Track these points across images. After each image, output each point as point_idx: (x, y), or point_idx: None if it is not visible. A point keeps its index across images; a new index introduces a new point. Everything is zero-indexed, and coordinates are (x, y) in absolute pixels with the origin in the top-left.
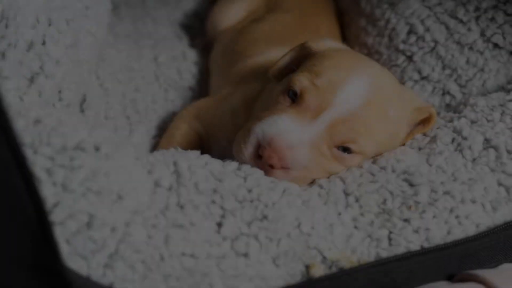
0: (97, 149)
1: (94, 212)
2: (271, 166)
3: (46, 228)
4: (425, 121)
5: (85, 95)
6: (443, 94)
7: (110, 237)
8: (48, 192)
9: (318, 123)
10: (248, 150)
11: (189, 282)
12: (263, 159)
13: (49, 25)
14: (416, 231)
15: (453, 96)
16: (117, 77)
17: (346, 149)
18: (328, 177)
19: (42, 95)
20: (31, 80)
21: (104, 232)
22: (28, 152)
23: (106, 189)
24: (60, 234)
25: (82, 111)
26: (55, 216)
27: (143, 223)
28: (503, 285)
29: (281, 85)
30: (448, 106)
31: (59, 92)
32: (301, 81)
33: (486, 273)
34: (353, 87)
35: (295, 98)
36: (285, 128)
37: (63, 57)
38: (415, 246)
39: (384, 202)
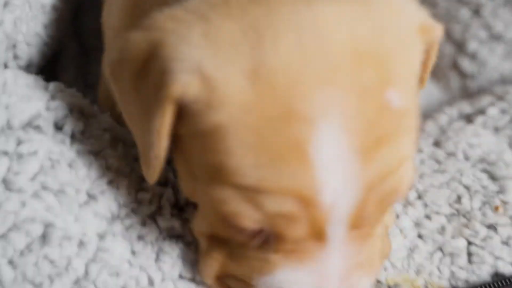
0: (58, 127)
1: (51, 220)
2: None
3: None
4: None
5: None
6: None
7: (76, 255)
8: None
9: (331, 243)
10: None
11: None
12: None
13: None
14: (506, 243)
15: None
16: None
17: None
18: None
19: None
20: None
21: (67, 248)
22: None
23: (69, 185)
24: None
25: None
26: None
27: (123, 232)
28: None
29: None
30: None
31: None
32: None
33: None
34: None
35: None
36: None
37: None
38: (505, 264)
39: (459, 200)
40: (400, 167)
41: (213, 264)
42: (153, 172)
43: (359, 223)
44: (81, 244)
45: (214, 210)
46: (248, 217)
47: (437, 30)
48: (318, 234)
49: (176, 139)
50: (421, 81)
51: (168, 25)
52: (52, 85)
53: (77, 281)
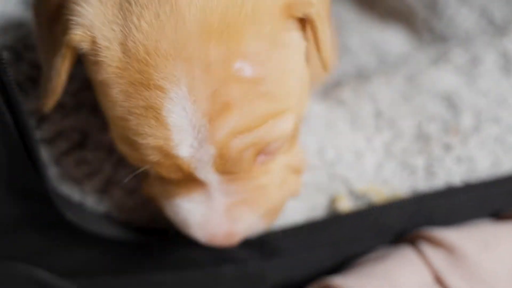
0: None
1: (87, 130)
2: None
3: (31, 146)
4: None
5: None
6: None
7: (106, 160)
8: (33, 106)
9: (210, 183)
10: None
11: None
12: None
13: None
14: (457, 161)
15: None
16: None
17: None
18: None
19: None
20: None
21: (100, 153)
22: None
23: None
24: (48, 153)
25: None
26: (42, 133)
27: None
28: None
29: None
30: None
31: None
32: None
33: None
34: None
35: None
36: (197, 222)
37: None
38: (455, 178)
39: (420, 125)
40: (263, 124)
41: (145, 185)
42: (47, 102)
43: (229, 168)
44: (110, 150)
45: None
46: (135, 159)
47: (307, 6)
48: (191, 177)
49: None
50: (322, 60)
51: None
52: None
53: (107, 180)
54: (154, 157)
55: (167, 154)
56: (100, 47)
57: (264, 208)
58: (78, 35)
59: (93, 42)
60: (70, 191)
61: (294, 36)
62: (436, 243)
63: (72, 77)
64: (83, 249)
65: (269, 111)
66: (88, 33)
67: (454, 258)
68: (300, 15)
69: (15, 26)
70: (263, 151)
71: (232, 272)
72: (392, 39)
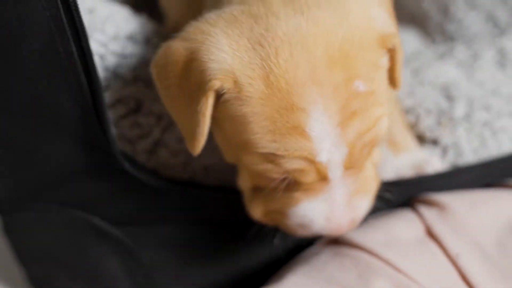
0: (147, 41)
1: (141, 99)
2: None
3: (100, 108)
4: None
5: None
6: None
7: (155, 125)
8: (100, 75)
9: (333, 180)
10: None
11: (228, 174)
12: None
13: None
14: (443, 151)
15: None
16: None
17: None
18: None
19: None
20: None
21: (150, 119)
22: None
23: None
24: (109, 116)
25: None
26: (105, 99)
27: None
28: None
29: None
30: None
31: None
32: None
33: None
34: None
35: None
36: (325, 217)
37: None
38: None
39: (418, 119)
40: (374, 126)
41: (257, 205)
42: (198, 145)
43: (351, 165)
44: (159, 118)
45: (248, 170)
46: (274, 172)
47: (394, 38)
48: (324, 178)
49: (216, 121)
50: (392, 82)
51: (199, 37)
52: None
53: (155, 142)
54: (299, 166)
55: (311, 161)
56: (243, 85)
57: (371, 194)
58: (220, 79)
59: (235, 82)
60: (124, 149)
61: (384, 60)
62: (430, 203)
63: (131, 55)
64: (134, 197)
65: (378, 114)
66: (230, 75)
67: (444, 214)
68: (391, 46)
69: None
70: (374, 147)
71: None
72: (408, 39)
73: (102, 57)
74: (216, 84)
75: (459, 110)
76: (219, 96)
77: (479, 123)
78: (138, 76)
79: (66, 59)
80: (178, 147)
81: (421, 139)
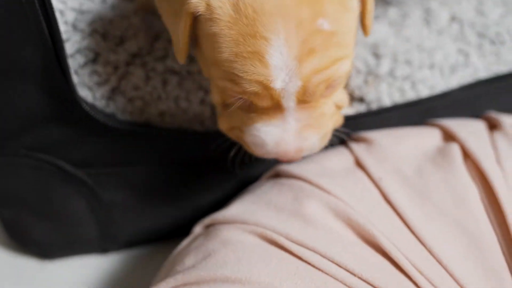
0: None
1: (99, 50)
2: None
3: (61, 56)
4: None
5: None
6: None
7: (112, 74)
8: (61, 29)
9: (287, 110)
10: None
11: (183, 118)
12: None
13: None
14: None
15: None
16: None
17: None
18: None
19: None
20: None
21: (108, 68)
22: None
23: (110, 33)
24: (70, 65)
25: None
26: (66, 50)
27: (142, 65)
28: (455, 128)
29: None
30: None
31: None
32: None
33: (443, 121)
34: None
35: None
36: (274, 141)
37: None
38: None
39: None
40: (334, 65)
41: (224, 120)
42: (181, 55)
43: (305, 98)
44: (115, 67)
45: (216, 85)
46: (234, 90)
47: None
48: (278, 105)
49: (196, 38)
50: (363, 27)
51: None
52: None
53: (112, 90)
54: (254, 89)
55: (266, 86)
56: (214, 7)
57: (323, 132)
58: (195, 2)
59: (208, 5)
60: (85, 96)
61: (355, 3)
62: (360, 139)
63: (88, 11)
64: (96, 141)
65: (339, 55)
66: (203, 2)
67: (372, 147)
68: None
69: None
70: (330, 86)
71: None
72: None
73: (61, 12)
74: (191, 7)
75: (384, 66)
76: (196, 17)
77: (401, 77)
78: (95, 29)
79: (28, 8)
80: (134, 94)
81: (351, 97)
